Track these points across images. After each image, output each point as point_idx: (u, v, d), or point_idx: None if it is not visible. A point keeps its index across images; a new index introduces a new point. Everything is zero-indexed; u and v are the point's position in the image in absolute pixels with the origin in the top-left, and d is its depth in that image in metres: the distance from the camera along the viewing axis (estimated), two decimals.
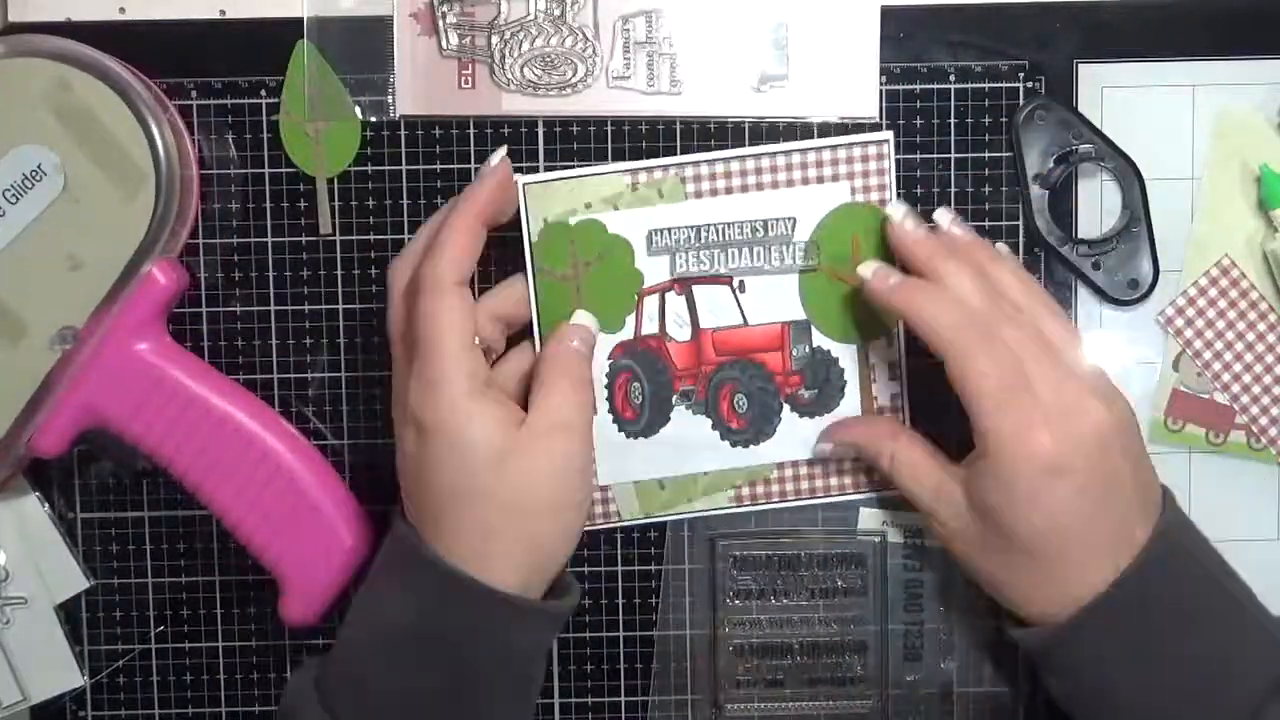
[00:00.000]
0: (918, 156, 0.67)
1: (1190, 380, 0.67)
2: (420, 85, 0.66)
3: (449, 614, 0.57)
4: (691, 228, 0.64)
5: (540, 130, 0.66)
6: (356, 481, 0.68)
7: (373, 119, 0.66)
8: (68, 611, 0.68)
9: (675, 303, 0.65)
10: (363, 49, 0.65)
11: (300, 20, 0.65)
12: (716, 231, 0.65)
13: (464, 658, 0.57)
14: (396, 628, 0.57)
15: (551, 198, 0.64)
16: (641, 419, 0.66)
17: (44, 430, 0.63)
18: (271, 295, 0.67)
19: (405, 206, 0.67)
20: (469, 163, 0.66)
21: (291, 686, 0.61)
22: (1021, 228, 0.67)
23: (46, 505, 0.67)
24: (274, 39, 0.66)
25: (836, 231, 0.64)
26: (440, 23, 0.65)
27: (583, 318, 0.63)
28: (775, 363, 0.65)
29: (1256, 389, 0.67)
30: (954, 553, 0.61)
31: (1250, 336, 0.67)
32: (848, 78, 0.66)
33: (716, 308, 0.65)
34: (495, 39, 0.65)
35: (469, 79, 0.66)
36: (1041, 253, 0.67)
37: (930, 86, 0.66)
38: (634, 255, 0.65)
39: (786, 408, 0.66)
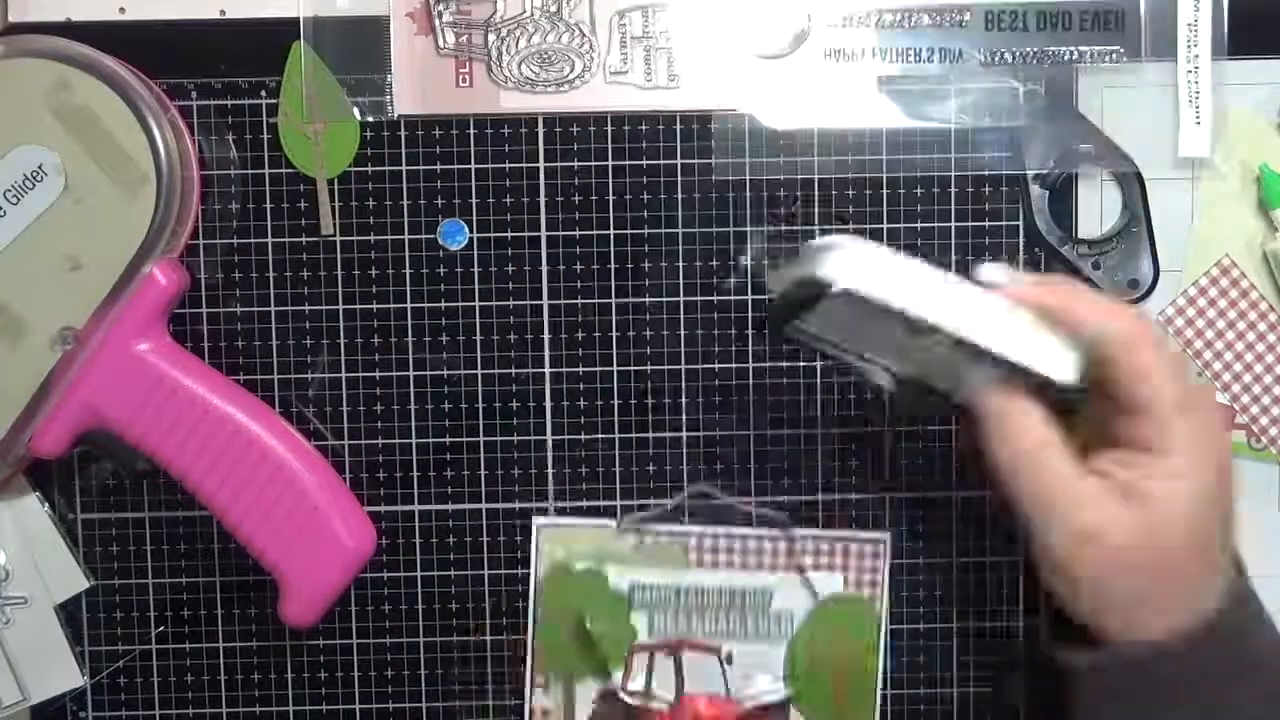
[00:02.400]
0: (918, 157, 0.67)
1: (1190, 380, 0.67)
2: (418, 84, 0.66)
3: None
4: (688, 594, 0.67)
5: (540, 129, 0.67)
6: (356, 481, 0.68)
7: (371, 119, 0.66)
8: (68, 611, 0.68)
9: (663, 663, 0.67)
10: (360, 49, 0.65)
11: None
12: (712, 601, 0.67)
13: None
14: None
15: (562, 542, 0.67)
16: None
17: (44, 430, 0.63)
18: (271, 295, 0.67)
19: (405, 206, 0.67)
20: (468, 162, 0.66)
21: None
22: (1021, 228, 0.67)
23: (46, 505, 0.68)
24: (274, 39, 0.66)
25: (826, 619, 0.67)
26: (436, 21, 0.65)
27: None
28: None
29: (1256, 389, 0.67)
30: (1073, 562, 0.55)
31: (1250, 336, 0.67)
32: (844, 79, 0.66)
33: (703, 675, 0.67)
34: (492, 37, 0.65)
35: (466, 77, 0.66)
36: (1041, 253, 0.67)
37: (930, 87, 0.66)
38: (630, 610, 0.67)
39: None
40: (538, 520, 0.67)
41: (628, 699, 0.67)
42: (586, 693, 0.68)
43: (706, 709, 0.67)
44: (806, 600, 0.67)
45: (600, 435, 0.68)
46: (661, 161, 0.66)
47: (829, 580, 0.67)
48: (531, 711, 0.68)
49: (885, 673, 0.68)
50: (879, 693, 0.68)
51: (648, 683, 0.67)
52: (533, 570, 0.68)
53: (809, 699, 0.67)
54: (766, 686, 0.67)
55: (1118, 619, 0.54)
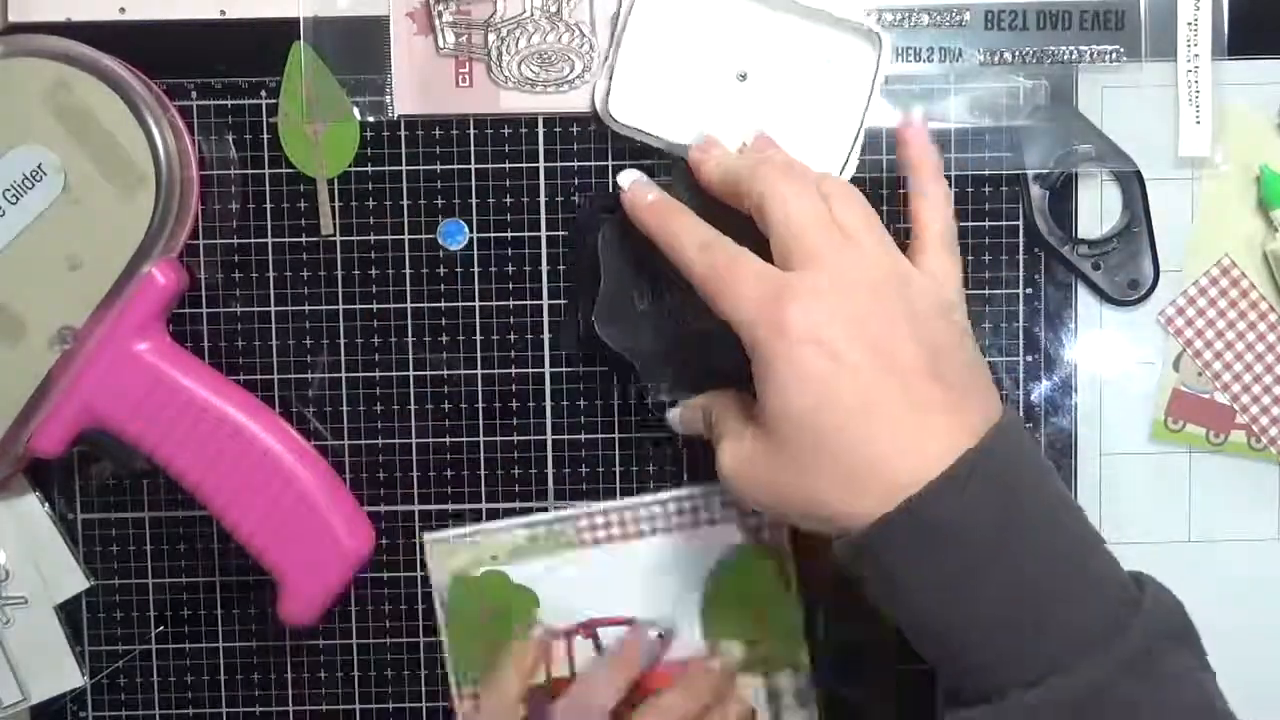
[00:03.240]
0: None
1: (1190, 380, 0.67)
2: (418, 84, 0.66)
3: None
4: (593, 573, 0.67)
5: (540, 129, 0.67)
6: (356, 481, 0.68)
7: (371, 119, 0.66)
8: (68, 611, 0.68)
9: (583, 647, 0.67)
10: (360, 49, 0.65)
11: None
12: (616, 576, 0.67)
13: None
14: None
15: (455, 553, 0.67)
16: None
17: (43, 430, 0.63)
18: (271, 295, 0.67)
19: (405, 206, 0.67)
20: (468, 162, 0.66)
21: None
22: (1021, 228, 0.67)
23: (46, 505, 0.68)
24: (274, 39, 0.66)
25: (732, 570, 0.67)
26: (436, 21, 0.65)
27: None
28: None
29: (1257, 389, 0.67)
30: (747, 482, 0.57)
31: (1250, 336, 0.67)
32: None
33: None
34: (492, 37, 0.65)
35: (466, 77, 0.66)
36: (1041, 253, 0.67)
37: (931, 87, 0.66)
38: (540, 603, 0.67)
39: None
40: (427, 536, 0.68)
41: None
42: (512, 693, 0.67)
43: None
44: (710, 556, 0.67)
45: (600, 435, 0.68)
46: (660, 161, 0.66)
47: (729, 533, 0.67)
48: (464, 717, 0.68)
49: (808, 608, 0.68)
50: (801, 629, 0.67)
51: (571, 669, 0.67)
52: (434, 585, 0.68)
53: (732, 647, 0.68)
54: (687, 645, 0.67)
55: (806, 524, 0.55)
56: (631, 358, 0.64)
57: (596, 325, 0.64)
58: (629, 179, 0.62)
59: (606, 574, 0.67)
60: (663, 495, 0.67)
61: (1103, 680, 0.50)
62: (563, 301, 0.67)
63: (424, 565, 0.68)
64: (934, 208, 0.59)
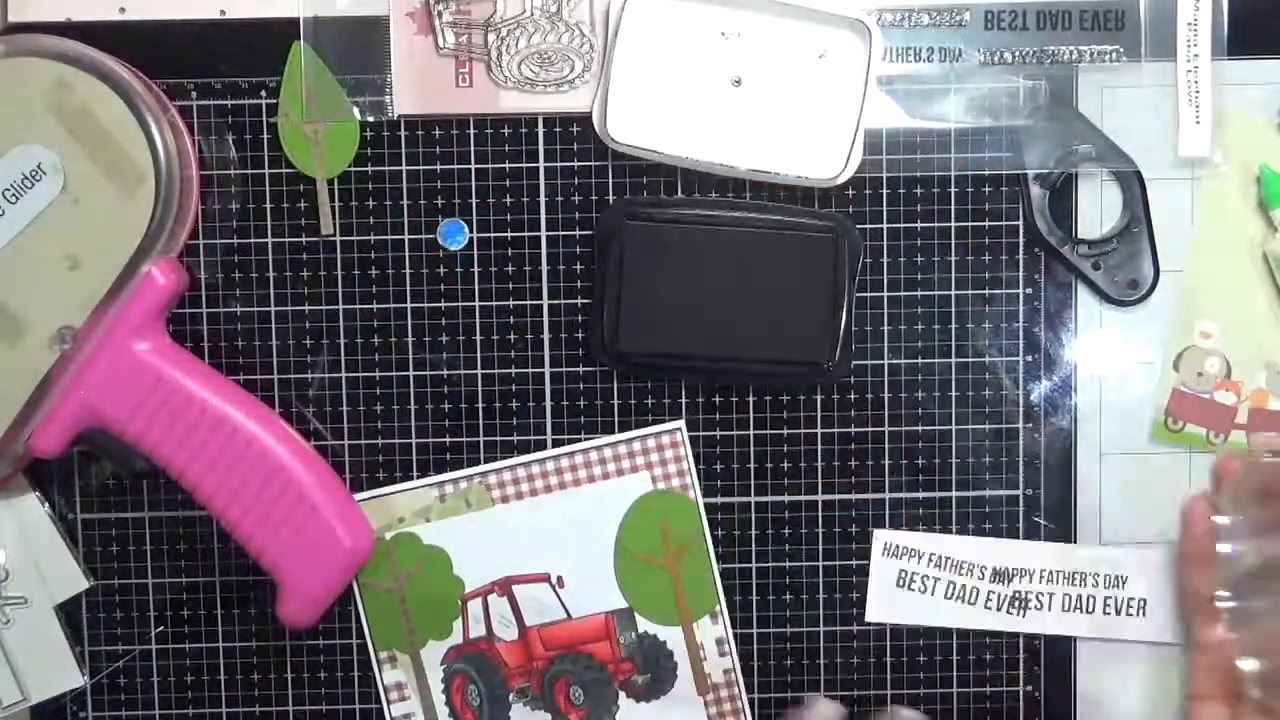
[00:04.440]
0: (918, 156, 0.67)
1: (1190, 380, 0.67)
2: (418, 84, 0.66)
3: None
4: (503, 531, 0.67)
5: (540, 129, 0.67)
6: (356, 482, 0.68)
7: (371, 119, 0.66)
8: (68, 611, 0.68)
9: (499, 604, 0.68)
10: (360, 49, 0.65)
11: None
12: (528, 531, 0.67)
13: None
14: None
15: (368, 515, 0.67)
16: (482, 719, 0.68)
17: (43, 430, 0.63)
18: (271, 295, 0.67)
19: (405, 206, 0.67)
20: (468, 162, 0.67)
21: None
22: (1021, 228, 0.67)
23: (46, 505, 0.68)
24: (274, 39, 0.66)
25: (643, 520, 0.67)
26: (436, 21, 0.65)
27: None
28: (604, 652, 0.68)
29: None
30: None
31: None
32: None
33: (539, 605, 0.67)
34: (492, 36, 0.65)
35: (466, 77, 0.66)
36: (1041, 253, 0.67)
37: (930, 87, 0.66)
38: (452, 563, 0.67)
39: (622, 694, 0.68)
40: None
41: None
42: (433, 655, 0.68)
43: (550, 632, 0.67)
44: (620, 505, 0.67)
45: (600, 435, 0.68)
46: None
47: (638, 482, 0.67)
48: (386, 688, 0.68)
49: (716, 554, 0.68)
50: (717, 575, 0.68)
51: (489, 628, 0.67)
52: None
53: (648, 601, 0.68)
54: (604, 598, 0.67)
55: None
56: (658, 363, 0.65)
57: (621, 330, 0.64)
58: None
59: (517, 531, 0.67)
60: (569, 448, 0.67)
61: None
62: (560, 309, 0.67)
63: None
64: None
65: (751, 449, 0.68)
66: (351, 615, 0.68)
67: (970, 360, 0.67)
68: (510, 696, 0.68)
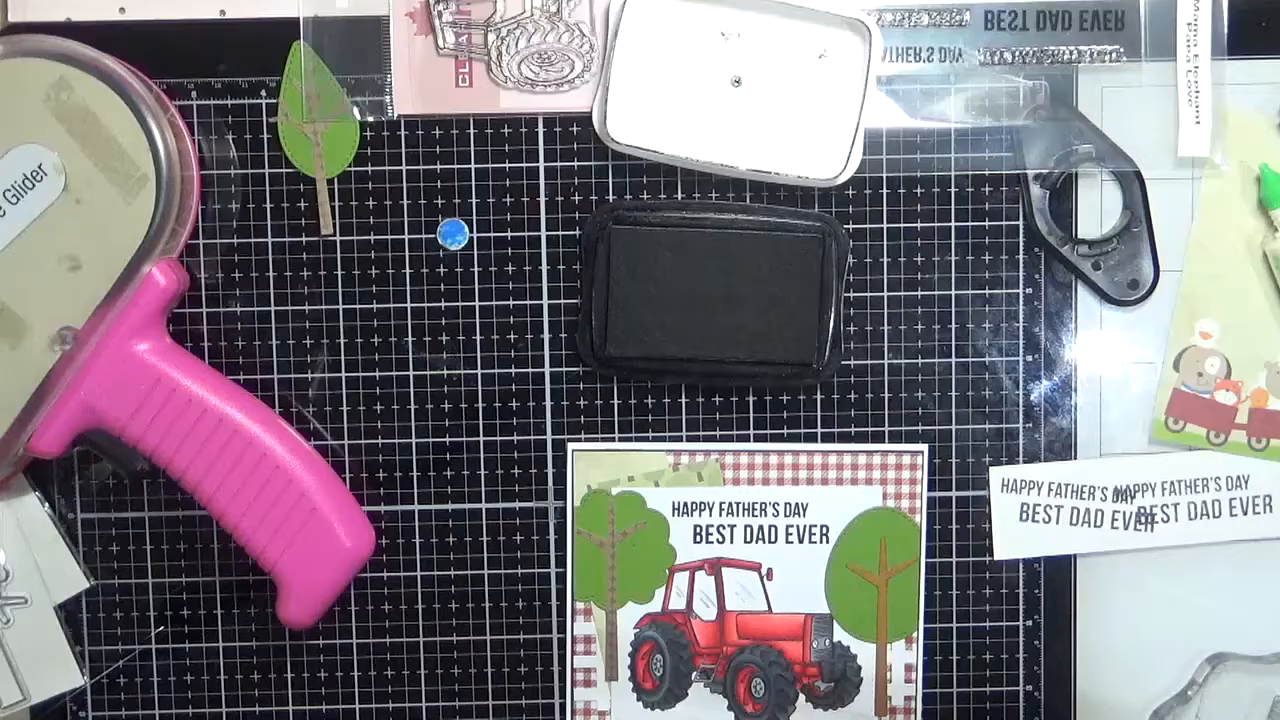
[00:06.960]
0: (918, 156, 0.67)
1: (1190, 380, 0.67)
2: (418, 84, 0.66)
3: None
4: (727, 512, 0.67)
5: (540, 129, 0.67)
6: (356, 482, 0.68)
7: (371, 119, 0.66)
8: (68, 611, 0.68)
9: (704, 582, 0.67)
10: (359, 49, 0.65)
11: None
12: (751, 519, 0.67)
13: None
14: None
15: (597, 466, 0.67)
16: (660, 690, 0.68)
17: (43, 430, 0.63)
18: (271, 295, 0.67)
19: (405, 206, 0.67)
20: (468, 162, 0.67)
21: None
22: (1021, 228, 0.67)
23: (46, 505, 0.68)
24: (274, 39, 0.66)
25: (865, 533, 0.67)
26: (436, 21, 0.65)
27: None
28: (795, 652, 0.67)
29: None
30: None
31: None
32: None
33: (743, 591, 0.67)
34: (492, 36, 0.65)
35: (466, 77, 0.66)
36: (1041, 253, 0.67)
37: (930, 87, 0.66)
38: (669, 531, 0.67)
39: (802, 698, 0.68)
40: (572, 446, 0.67)
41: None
42: (629, 617, 0.68)
43: (748, 621, 0.67)
44: (845, 514, 0.67)
45: (600, 435, 0.68)
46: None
47: (869, 494, 0.67)
48: (574, 639, 0.68)
49: (925, 588, 0.68)
50: (922, 607, 0.68)
51: (689, 603, 0.67)
52: (569, 496, 0.67)
53: (850, 612, 0.67)
54: (807, 599, 0.67)
55: None
56: (646, 365, 0.65)
57: (609, 335, 0.64)
58: None
59: (740, 514, 0.67)
60: (810, 446, 0.67)
61: None
62: (548, 308, 0.67)
63: (560, 480, 0.68)
64: None
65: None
66: (352, 615, 0.68)
67: (970, 360, 0.68)
68: (693, 675, 0.68)
